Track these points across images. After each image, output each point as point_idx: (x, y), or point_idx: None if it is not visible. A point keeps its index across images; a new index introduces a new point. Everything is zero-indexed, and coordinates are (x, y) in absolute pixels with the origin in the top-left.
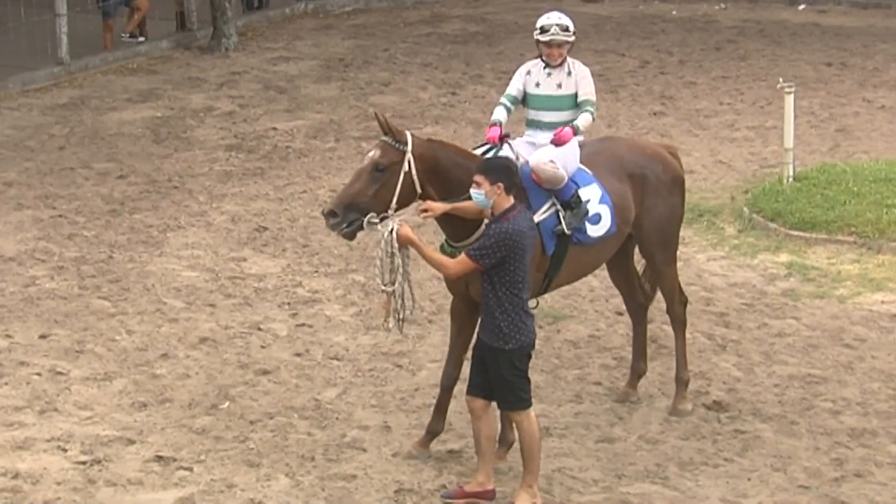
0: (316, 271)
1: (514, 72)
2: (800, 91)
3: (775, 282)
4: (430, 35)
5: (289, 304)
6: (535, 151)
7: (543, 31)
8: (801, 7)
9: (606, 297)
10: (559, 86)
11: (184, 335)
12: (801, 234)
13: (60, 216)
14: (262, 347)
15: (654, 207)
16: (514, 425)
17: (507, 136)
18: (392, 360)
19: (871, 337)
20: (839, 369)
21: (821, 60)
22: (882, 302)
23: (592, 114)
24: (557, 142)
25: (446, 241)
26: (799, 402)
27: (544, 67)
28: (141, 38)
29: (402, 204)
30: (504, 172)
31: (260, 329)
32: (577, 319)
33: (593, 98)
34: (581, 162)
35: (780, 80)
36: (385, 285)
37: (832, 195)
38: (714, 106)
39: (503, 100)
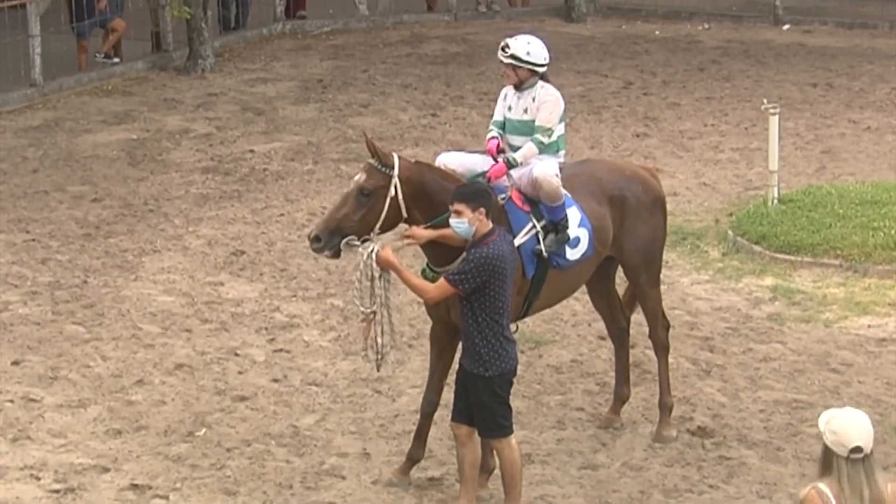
0: (294, 296)
1: (497, 93)
2: (785, 112)
3: (760, 305)
4: (410, 56)
5: (266, 329)
6: (538, 162)
7: (502, 49)
8: (786, 27)
9: (589, 321)
10: (525, 111)
11: (159, 361)
12: (787, 257)
13: (34, 240)
14: (240, 373)
15: (635, 229)
16: (494, 452)
17: (503, 150)
18: (371, 386)
19: (858, 361)
20: (825, 394)
21: (806, 81)
22: (869, 326)
23: (541, 142)
24: (490, 177)
25: (427, 265)
26: (785, 428)
27: (515, 91)
28: (116, 59)
29: (386, 228)
30: (484, 197)
31: (237, 354)
32: (560, 344)
33: (548, 125)
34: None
35: (765, 101)
36: (364, 308)
37: (818, 218)
38: (698, 127)
39: (492, 126)
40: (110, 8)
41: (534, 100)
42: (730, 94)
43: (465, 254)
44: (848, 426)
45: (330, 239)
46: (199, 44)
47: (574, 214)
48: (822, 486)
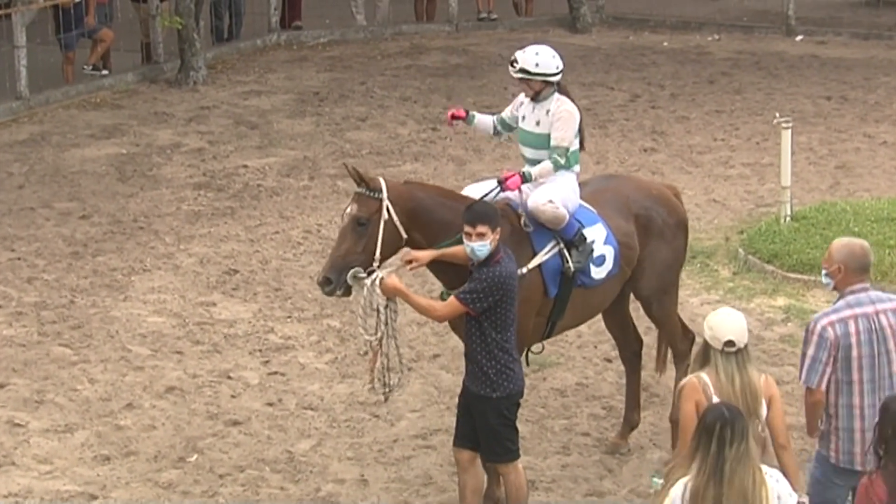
0: (289, 316)
1: (500, 106)
2: (798, 126)
3: (772, 327)
4: (410, 68)
5: (260, 351)
6: (532, 192)
7: (511, 63)
8: (799, 38)
9: (595, 342)
10: (538, 123)
11: (149, 384)
12: (800, 276)
13: (19, 259)
14: (233, 397)
15: (658, 251)
16: (500, 479)
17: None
18: (369, 410)
19: None
20: None
21: (820, 94)
22: None
23: (558, 163)
24: (505, 188)
25: (444, 291)
26: (798, 454)
27: (530, 100)
28: (104, 71)
29: (386, 254)
30: (497, 216)
31: (230, 377)
32: (565, 367)
33: (564, 144)
34: (585, 199)
35: (777, 114)
36: (370, 338)
37: (832, 235)
38: (708, 142)
39: (495, 116)
40: (98, 18)
41: (548, 113)
42: (740, 108)
43: (474, 272)
44: (722, 323)
45: (339, 278)
46: (191, 55)
47: (599, 231)
48: (703, 374)
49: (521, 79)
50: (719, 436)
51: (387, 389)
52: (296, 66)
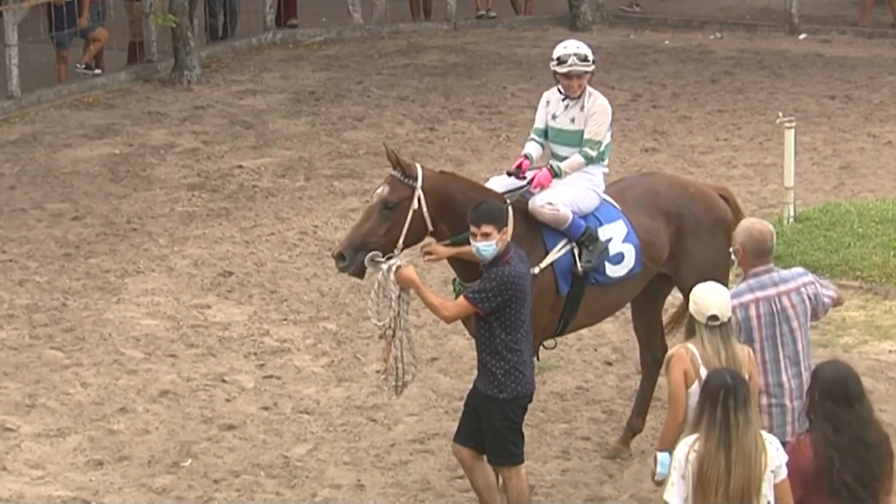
0: (285, 319)
1: (498, 106)
2: (801, 126)
3: None
4: (407, 67)
5: (255, 354)
6: (537, 192)
7: (560, 62)
8: (803, 36)
9: (595, 346)
10: (572, 120)
11: (143, 388)
12: None
13: (11, 261)
14: (227, 401)
15: (694, 251)
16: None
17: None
18: (366, 414)
19: (879, 389)
20: None
21: (823, 93)
22: (890, 351)
23: (589, 156)
24: (534, 185)
25: (455, 280)
26: None
27: (562, 99)
28: (97, 71)
29: (410, 242)
30: (506, 216)
31: (224, 381)
32: (564, 370)
33: (598, 138)
34: (612, 195)
35: (780, 114)
36: (378, 322)
37: (836, 237)
38: (710, 142)
39: (532, 135)
40: (91, 17)
41: (582, 109)
42: (743, 107)
43: (484, 272)
44: (707, 298)
45: (354, 256)
46: (185, 54)
47: (619, 229)
48: (689, 345)
49: (577, 74)
50: (724, 403)
51: (400, 384)
52: (291, 65)
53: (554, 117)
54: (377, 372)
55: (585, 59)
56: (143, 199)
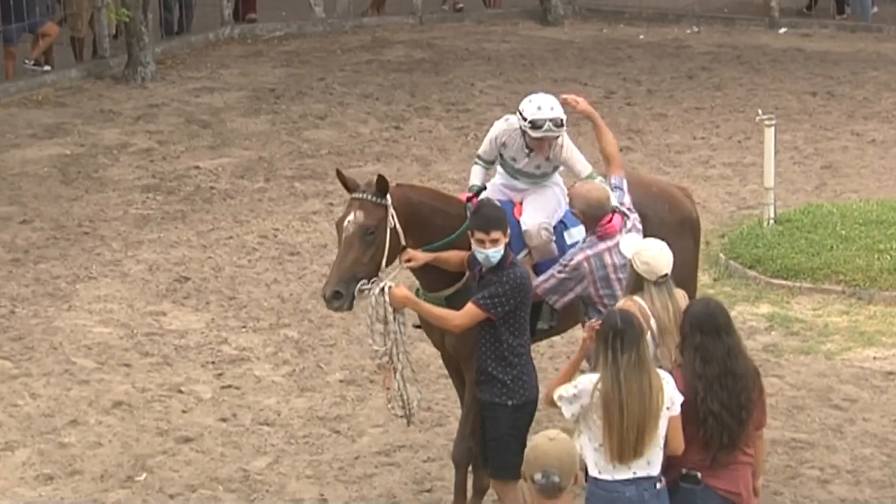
0: (244, 326)
1: (466, 104)
2: (781, 124)
3: (755, 336)
4: (371, 63)
5: (213, 363)
6: (529, 206)
7: (535, 126)
8: (783, 31)
9: (567, 353)
10: (538, 167)
11: (95, 399)
12: (784, 282)
13: None
14: (184, 412)
15: None
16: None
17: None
18: (329, 426)
19: (863, 397)
20: (827, 433)
21: (805, 90)
22: (874, 358)
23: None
24: (602, 235)
25: (420, 290)
26: (783, 470)
27: (526, 150)
28: (47, 67)
29: (390, 261)
30: (507, 218)
31: (181, 391)
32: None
33: (589, 167)
34: None
35: (760, 111)
36: (382, 357)
37: (818, 239)
38: (686, 140)
39: (478, 160)
40: (40, 10)
41: (548, 159)
42: (721, 104)
43: (483, 281)
44: (658, 258)
45: (349, 290)
46: (139, 50)
47: (583, 233)
48: (637, 298)
49: (552, 139)
50: (612, 345)
51: (408, 410)
52: (250, 62)
53: (513, 159)
54: (388, 404)
55: (560, 124)
56: (95, 201)
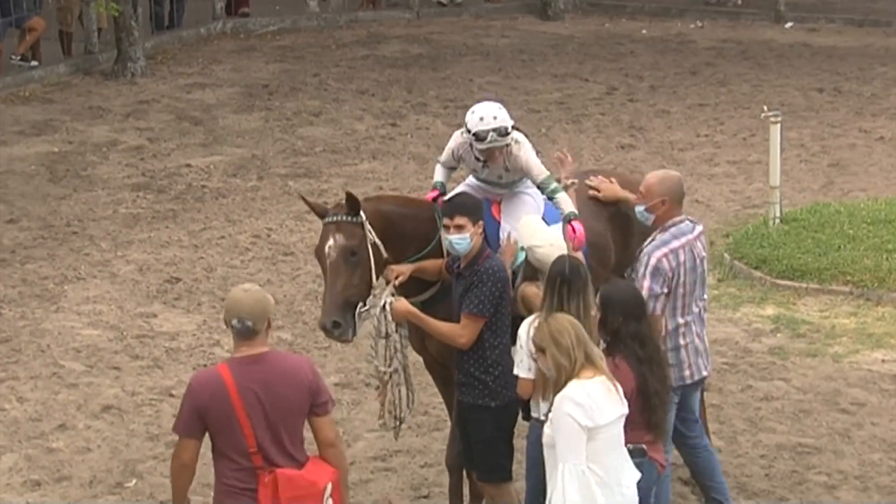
0: None
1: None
2: (787, 121)
3: (760, 338)
4: (367, 58)
5: (205, 366)
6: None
7: (479, 138)
8: (789, 25)
9: None
10: (499, 177)
11: (84, 403)
12: (790, 283)
13: None
14: (175, 416)
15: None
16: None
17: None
18: None
19: (871, 401)
20: (834, 438)
21: (811, 86)
22: (882, 360)
23: (557, 189)
24: (576, 247)
25: (393, 295)
26: (789, 476)
27: (477, 160)
28: (34, 62)
29: (377, 277)
30: (480, 209)
31: (172, 395)
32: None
33: (545, 174)
34: None
35: (765, 108)
36: (384, 374)
37: (825, 239)
38: (690, 138)
39: (441, 165)
40: (27, 5)
41: (507, 170)
42: (726, 101)
43: (461, 280)
44: (548, 256)
45: (346, 316)
46: (129, 45)
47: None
48: (538, 284)
49: (499, 148)
50: (559, 292)
51: (398, 423)
52: (243, 57)
53: (473, 171)
54: (379, 419)
55: (505, 132)
56: (83, 200)
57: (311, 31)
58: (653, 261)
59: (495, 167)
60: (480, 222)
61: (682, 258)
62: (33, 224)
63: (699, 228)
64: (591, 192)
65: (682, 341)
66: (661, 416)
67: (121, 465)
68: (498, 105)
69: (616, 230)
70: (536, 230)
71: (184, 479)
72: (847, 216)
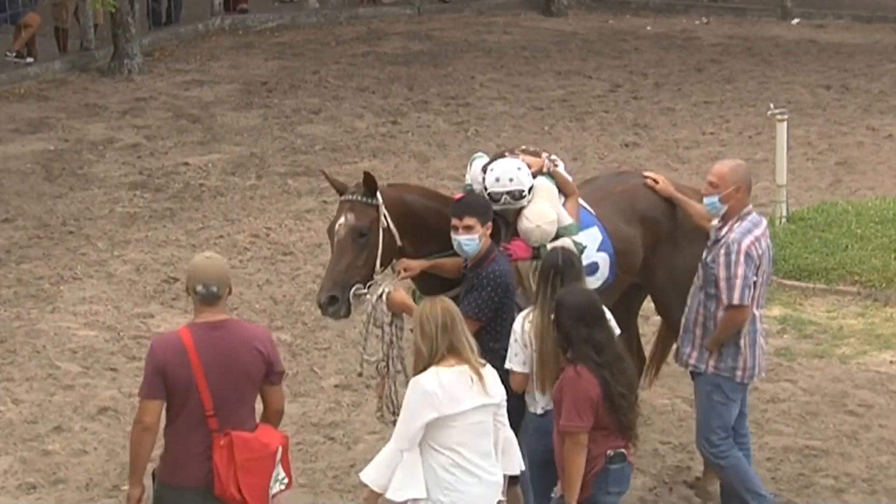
0: None
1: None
2: (794, 118)
3: (767, 339)
4: (367, 55)
5: None
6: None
7: (492, 199)
8: (796, 21)
9: None
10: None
11: (80, 405)
12: (797, 283)
13: None
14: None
15: (670, 258)
16: None
17: None
18: (323, 432)
19: (879, 403)
20: (842, 440)
21: (818, 83)
22: (890, 362)
23: (578, 245)
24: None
25: (415, 291)
26: (796, 479)
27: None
28: (29, 59)
29: (384, 264)
30: (490, 211)
31: None
32: None
33: (569, 220)
34: (586, 198)
35: (772, 105)
36: (377, 363)
37: (832, 238)
38: (695, 136)
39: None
40: (22, 1)
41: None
42: (731, 98)
43: (465, 281)
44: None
45: (344, 294)
46: (126, 41)
47: (594, 236)
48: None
49: (513, 211)
50: (552, 282)
51: (394, 417)
52: (241, 54)
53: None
54: (377, 411)
55: (520, 196)
56: (79, 199)
57: (310, 28)
58: (744, 247)
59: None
60: (489, 224)
61: (764, 245)
62: (29, 223)
63: (765, 220)
64: (648, 181)
65: (758, 336)
66: (632, 418)
67: (118, 468)
68: (518, 164)
69: (646, 233)
70: (540, 205)
71: (146, 442)
72: (855, 215)
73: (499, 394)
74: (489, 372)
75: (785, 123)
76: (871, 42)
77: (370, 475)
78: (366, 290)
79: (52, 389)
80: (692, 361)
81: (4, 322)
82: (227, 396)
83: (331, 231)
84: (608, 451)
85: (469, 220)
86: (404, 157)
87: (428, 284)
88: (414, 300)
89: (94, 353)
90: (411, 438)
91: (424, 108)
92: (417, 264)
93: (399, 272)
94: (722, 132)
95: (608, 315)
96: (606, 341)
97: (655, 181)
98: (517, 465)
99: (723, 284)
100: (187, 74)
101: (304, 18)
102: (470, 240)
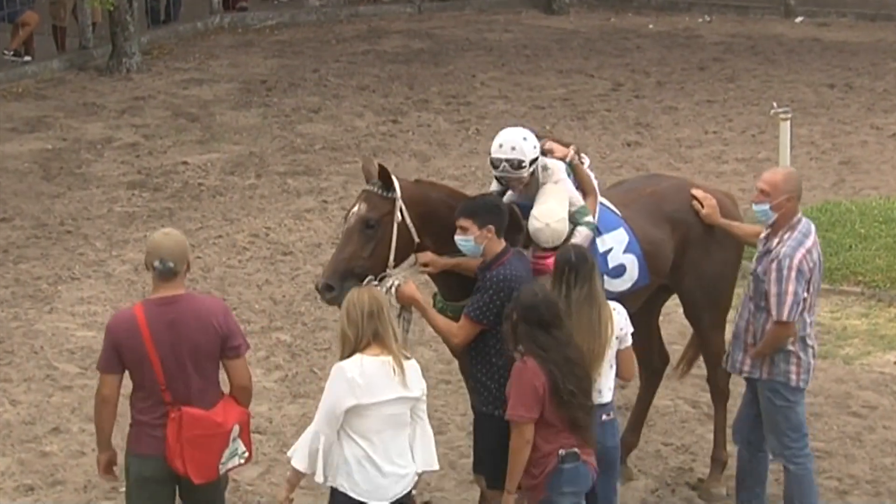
0: None
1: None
2: (797, 117)
3: (817, 343)
4: (368, 53)
5: None
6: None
7: (492, 165)
8: (799, 19)
9: None
10: (528, 198)
11: (78, 406)
12: None
13: None
14: None
15: (699, 262)
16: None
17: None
18: None
19: (883, 404)
20: (846, 441)
21: (822, 81)
22: (894, 363)
23: (590, 224)
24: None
25: (436, 296)
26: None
27: (501, 184)
28: (27, 58)
29: (399, 259)
30: (494, 213)
31: None
32: None
33: (581, 203)
34: (614, 200)
35: (775, 104)
36: None
37: (836, 238)
38: (698, 135)
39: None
40: None
41: (531, 198)
42: (734, 97)
43: (478, 278)
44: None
45: (342, 284)
46: (124, 39)
47: (620, 237)
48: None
49: (514, 178)
50: (566, 279)
51: None
52: (241, 52)
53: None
54: None
55: (518, 165)
56: (78, 198)
57: (310, 26)
58: (795, 263)
59: (517, 195)
60: (490, 227)
61: (815, 256)
62: (26, 223)
63: (814, 227)
64: (695, 203)
65: (810, 342)
66: (585, 419)
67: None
68: (524, 134)
69: (675, 235)
70: (548, 204)
71: (105, 412)
72: (858, 215)
73: (419, 388)
74: (412, 365)
75: (788, 122)
76: (874, 40)
77: (295, 456)
78: (376, 283)
79: (50, 390)
80: (746, 368)
81: (2, 322)
82: (179, 370)
83: (345, 217)
84: (560, 451)
85: (464, 222)
86: (405, 156)
87: (450, 287)
88: (434, 305)
89: (93, 354)
90: (331, 423)
91: (425, 106)
92: (443, 262)
93: (419, 264)
94: (725, 131)
95: (563, 321)
96: (550, 344)
97: (702, 204)
98: (434, 461)
99: (773, 300)
100: (186, 73)
101: (304, 16)
102: (464, 240)
